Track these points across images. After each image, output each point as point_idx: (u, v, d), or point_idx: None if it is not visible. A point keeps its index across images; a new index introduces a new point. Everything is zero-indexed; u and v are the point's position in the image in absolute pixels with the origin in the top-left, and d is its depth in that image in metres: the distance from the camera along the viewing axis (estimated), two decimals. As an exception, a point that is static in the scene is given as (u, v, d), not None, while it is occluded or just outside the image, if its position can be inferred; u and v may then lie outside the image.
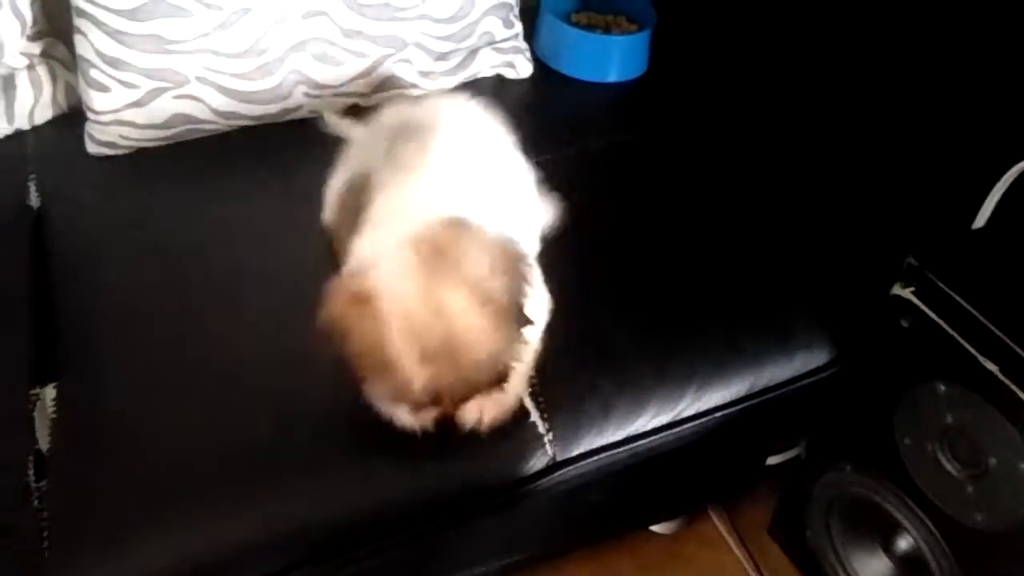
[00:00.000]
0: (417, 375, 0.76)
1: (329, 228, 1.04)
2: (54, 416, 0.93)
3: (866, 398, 1.04)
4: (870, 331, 1.02)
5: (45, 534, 0.84)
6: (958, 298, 0.90)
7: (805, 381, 1.09)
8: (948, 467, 0.96)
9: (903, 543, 1.07)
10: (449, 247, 0.78)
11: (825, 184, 1.23)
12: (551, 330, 0.96)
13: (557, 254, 1.00)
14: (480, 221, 0.81)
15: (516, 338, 0.80)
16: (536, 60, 1.46)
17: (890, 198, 1.16)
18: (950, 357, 0.92)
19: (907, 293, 0.95)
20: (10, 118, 1.25)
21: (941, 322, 0.93)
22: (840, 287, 1.13)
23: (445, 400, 0.80)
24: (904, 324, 0.96)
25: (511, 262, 0.80)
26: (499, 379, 0.80)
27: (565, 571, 1.30)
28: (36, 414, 0.94)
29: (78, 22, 1.16)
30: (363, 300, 0.77)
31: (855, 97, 1.26)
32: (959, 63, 1.14)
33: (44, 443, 0.91)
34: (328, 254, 1.04)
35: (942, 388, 0.94)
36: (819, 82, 1.32)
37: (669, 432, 1.02)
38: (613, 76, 1.45)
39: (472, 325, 0.76)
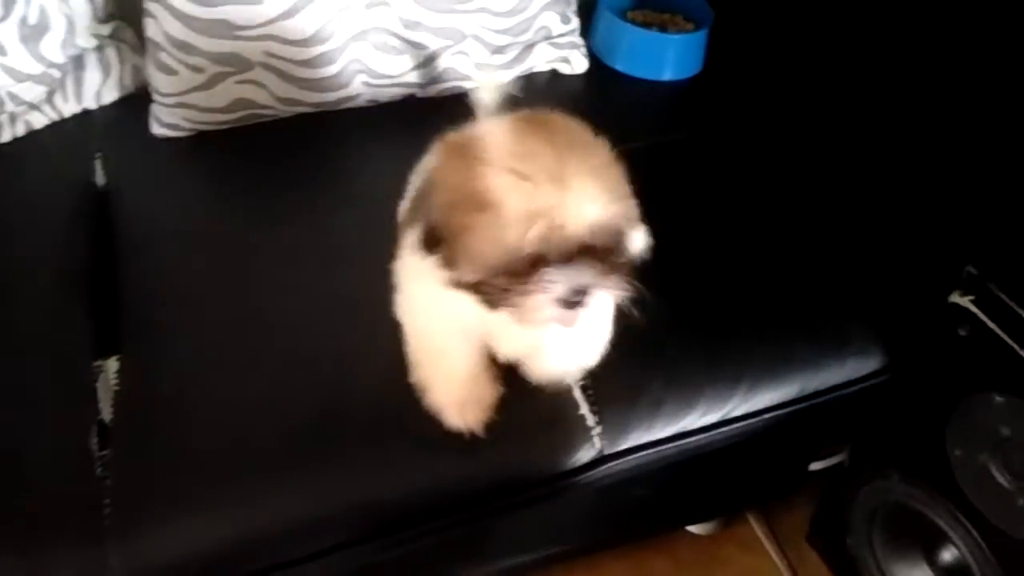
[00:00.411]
0: (523, 220, 0.70)
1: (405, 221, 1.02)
2: (116, 388, 0.96)
3: (918, 406, 1.03)
4: (925, 339, 1.01)
5: (107, 502, 0.87)
6: (1018, 308, 0.89)
7: (856, 387, 1.08)
8: (1000, 479, 0.94)
9: (948, 554, 1.06)
10: (566, 129, 0.76)
11: (882, 188, 1.22)
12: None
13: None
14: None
15: (631, 220, 0.75)
16: (591, 56, 1.46)
17: (949, 203, 1.14)
18: (1008, 368, 0.91)
19: (965, 302, 0.94)
20: (79, 97, 1.28)
21: (1000, 332, 0.92)
22: (895, 293, 1.11)
23: (551, 257, 0.72)
24: (961, 333, 0.95)
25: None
26: (611, 251, 0.74)
27: (601, 567, 1.31)
28: (99, 385, 0.96)
29: (149, 5, 1.18)
30: (465, 148, 0.74)
31: (915, 100, 1.24)
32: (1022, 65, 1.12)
33: (107, 414, 0.94)
34: (391, 236, 1.05)
35: (998, 399, 0.93)
36: (877, 83, 1.31)
37: (717, 431, 1.02)
38: (668, 74, 1.45)
39: (587, 188, 0.71)
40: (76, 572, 0.84)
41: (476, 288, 0.76)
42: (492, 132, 0.75)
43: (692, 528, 1.38)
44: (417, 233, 0.79)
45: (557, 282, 0.72)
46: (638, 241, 0.80)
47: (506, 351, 0.92)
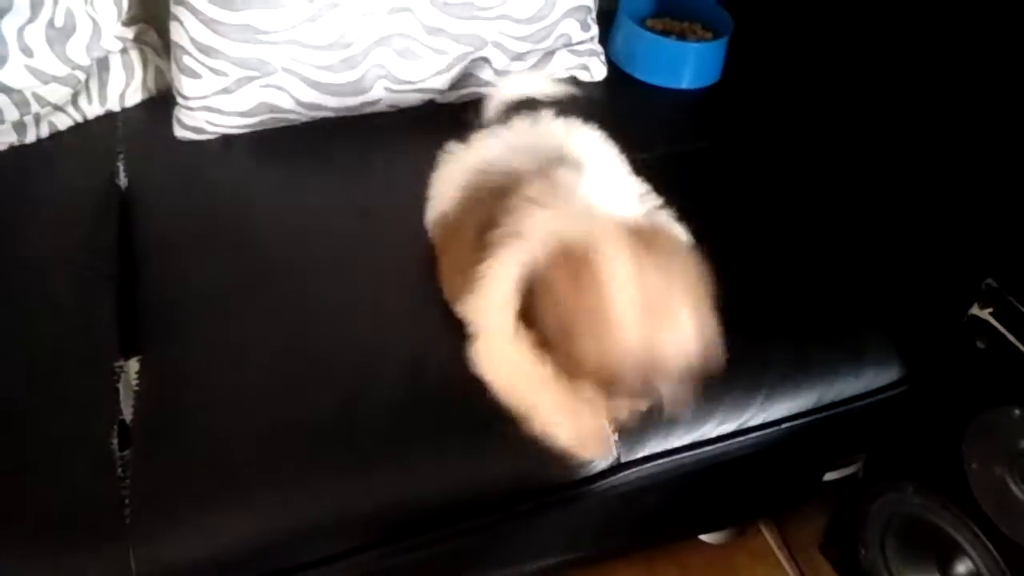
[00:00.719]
0: (637, 345, 0.76)
1: (439, 220, 1.05)
2: (137, 388, 0.97)
3: (935, 418, 1.03)
4: (944, 351, 1.01)
5: (127, 502, 0.88)
6: (1040, 322, 0.89)
7: (873, 398, 1.08)
8: (1017, 493, 0.94)
9: (962, 567, 1.06)
10: (663, 244, 0.81)
11: (902, 199, 1.22)
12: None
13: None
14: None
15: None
16: (610, 63, 1.47)
17: (970, 215, 1.14)
18: (1027, 382, 0.91)
19: (985, 314, 0.94)
20: (103, 99, 1.30)
21: (1019, 345, 0.92)
22: (914, 304, 1.12)
23: (644, 384, 0.79)
24: (980, 346, 0.95)
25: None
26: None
27: (612, 574, 1.31)
28: (120, 385, 0.97)
29: (175, 9, 1.20)
30: (582, 260, 0.78)
31: (935, 110, 1.24)
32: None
33: (128, 414, 0.95)
34: (412, 245, 1.07)
35: (1016, 413, 0.93)
36: (897, 93, 1.31)
37: (733, 440, 1.03)
38: (687, 83, 1.45)
39: (690, 327, 0.79)
40: (97, 572, 0.85)
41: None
42: (607, 248, 0.78)
43: (704, 537, 1.38)
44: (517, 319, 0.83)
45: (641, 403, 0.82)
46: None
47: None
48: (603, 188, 0.92)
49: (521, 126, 1.04)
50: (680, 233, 0.97)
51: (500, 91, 1.12)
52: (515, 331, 0.85)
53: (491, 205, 0.91)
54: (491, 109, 1.11)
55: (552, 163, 0.95)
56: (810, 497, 1.34)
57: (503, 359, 0.92)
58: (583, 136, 1.04)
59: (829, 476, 1.31)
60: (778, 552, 1.38)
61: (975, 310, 0.95)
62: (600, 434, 0.96)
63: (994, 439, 0.96)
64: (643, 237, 0.80)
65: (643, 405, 0.83)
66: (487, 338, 0.93)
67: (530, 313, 0.82)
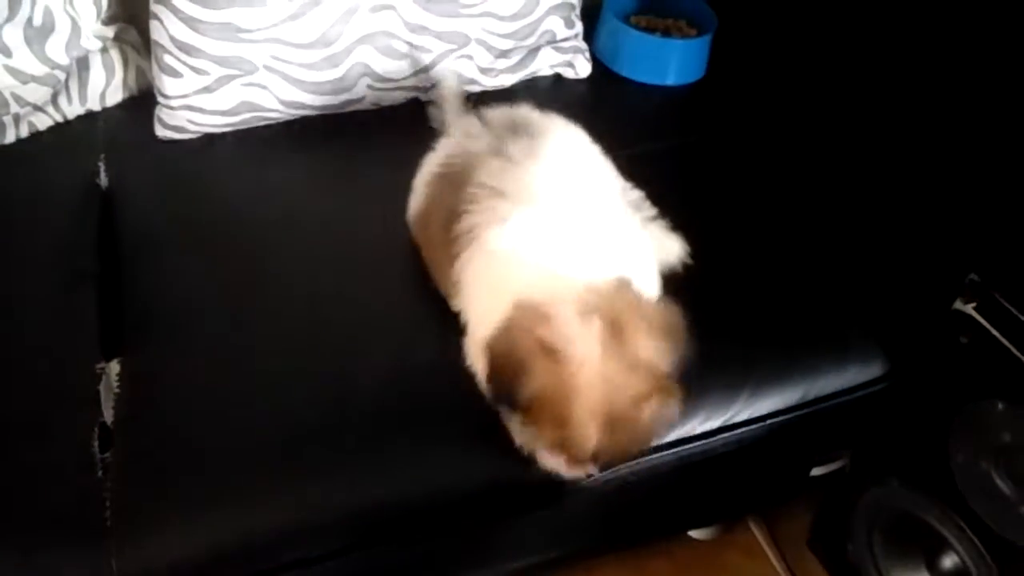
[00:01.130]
0: (591, 437, 0.80)
1: (415, 217, 1.05)
2: (118, 391, 0.96)
3: (919, 413, 1.03)
4: (927, 346, 1.01)
5: (107, 504, 0.87)
6: (1021, 315, 0.89)
7: (858, 393, 1.08)
8: (1002, 487, 0.94)
9: (948, 561, 1.06)
10: (626, 323, 0.81)
11: (884, 195, 1.22)
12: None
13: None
14: (636, 284, 0.86)
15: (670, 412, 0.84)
16: (595, 60, 1.46)
17: (953, 210, 1.14)
18: (1010, 375, 0.91)
19: (968, 309, 0.94)
20: (83, 99, 1.29)
21: (1003, 339, 0.92)
22: (897, 299, 1.12)
23: (601, 461, 0.84)
24: (963, 340, 0.95)
25: (675, 333, 0.84)
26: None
27: (601, 571, 1.31)
28: (101, 388, 0.96)
29: (155, 8, 1.19)
30: (551, 351, 0.80)
31: (918, 106, 1.24)
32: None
33: (108, 416, 0.94)
34: (393, 243, 1.07)
35: (1000, 406, 0.93)
36: (880, 89, 1.31)
37: (718, 437, 1.02)
38: (671, 79, 1.45)
39: (642, 401, 0.80)
40: (76, 573, 0.84)
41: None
42: (572, 345, 0.80)
43: (693, 533, 1.38)
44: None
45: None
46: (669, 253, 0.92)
47: None
48: (561, 165, 0.93)
49: (493, 116, 1.04)
50: (652, 283, 0.96)
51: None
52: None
53: (453, 195, 0.92)
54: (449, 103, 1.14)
55: (509, 141, 0.95)
56: (798, 493, 1.34)
57: None
58: (559, 128, 1.04)
59: (816, 471, 1.31)
60: (767, 548, 1.38)
61: (958, 304, 0.95)
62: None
63: (979, 433, 0.96)
64: (613, 320, 0.81)
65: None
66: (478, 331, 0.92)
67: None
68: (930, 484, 1.02)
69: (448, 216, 0.92)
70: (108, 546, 0.85)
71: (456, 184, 0.94)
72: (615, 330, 0.80)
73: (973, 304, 0.94)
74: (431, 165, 1.03)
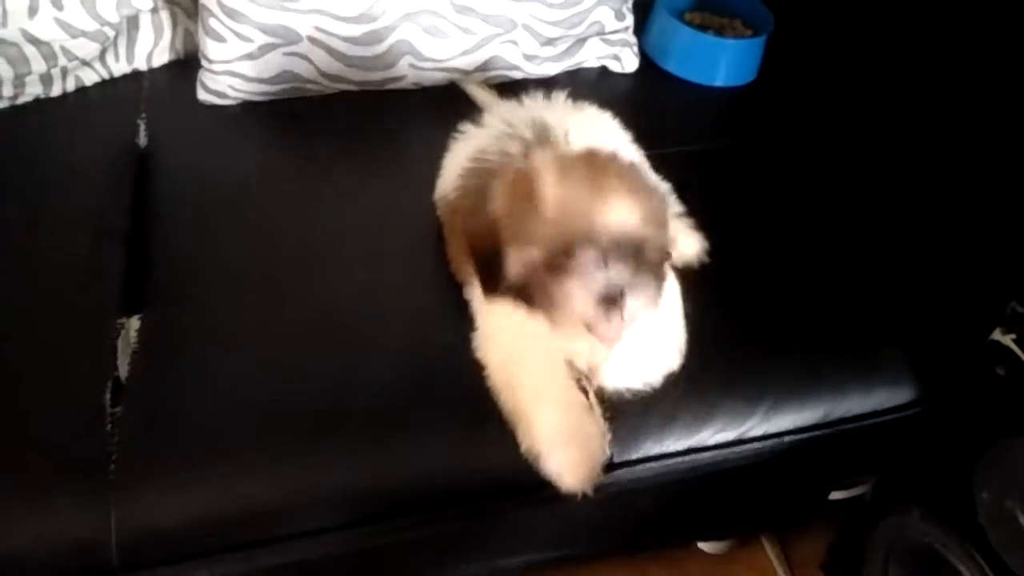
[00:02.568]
0: (566, 214, 0.79)
1: (442, 201, 1.04)
2: (136, 347, 0.97)
3: (947, 444, 1.00)
4: (962, 375, 0.97)
5: (113, 459, 0.87)
6: (1063, 352, 0.85)
7: (884, 417, 1.04)
8: (1026, 528, 0.90)
9: (965, 600, 1.02)
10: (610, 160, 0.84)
11: (931, 213, 1.17)
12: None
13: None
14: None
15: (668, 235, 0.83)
16: (643, 55, 1.43)
17: (1000, 234, 1.10)
18: (1046, 413, 0.87)
19: (1007, 340, 0.91)
20: (130, 58, 1.30)
21: (1041, 375, 0.88)
22: (934, 324, 1.07)
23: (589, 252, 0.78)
24: (1000, 372, 0.92)
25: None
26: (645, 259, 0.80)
27: (603, 575, 1.29)
28: (119, 343, 0.97)
29: (203, -29, 1.19)
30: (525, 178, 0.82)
31: (974, 123, 1.19)
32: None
33: (124, 371, 0.95)
34: (421, 227, 1.07)
35: (1032, 445, 0.89)
36: (931, 105, 1.26)
37: (732, 450, 0.99)
38: (721, 80, 1.41)
39: (623, 200, 0.80)
40: (76, 525, 0.85)
41: (522, 290, 0.81)
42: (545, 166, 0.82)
43: (703, 545, 1.35)
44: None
45: (592, 273, 0.77)
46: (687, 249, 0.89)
47: (581, 364, 0.92)
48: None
49: (527, 113, 1.02)
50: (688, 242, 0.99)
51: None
52: (515, 314, 0.84)
53: (481, 194, 0.89)
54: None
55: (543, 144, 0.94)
56: (815, 515, 1.30)
57: (504, 349, 0.91)
58: (590, 118, 1.03)
59: (836, 495, 1.27)
60: (778, 568, 1.35)
61: (997, 335, 0.91)
62: (587, 463, 0.90)
63: (1007, 471, 0.92)
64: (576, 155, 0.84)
65: (599, 286, 0.78)
66: (489, 322, 0.92)
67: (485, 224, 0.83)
68: (952, 518, 0.98)
69: (474, 211, 0.90)
70: (109, 501, 0.85)
71: (485, 183, 0.91)
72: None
73: (1013, 336, 0.90)
74: (463, 156, 1.01)
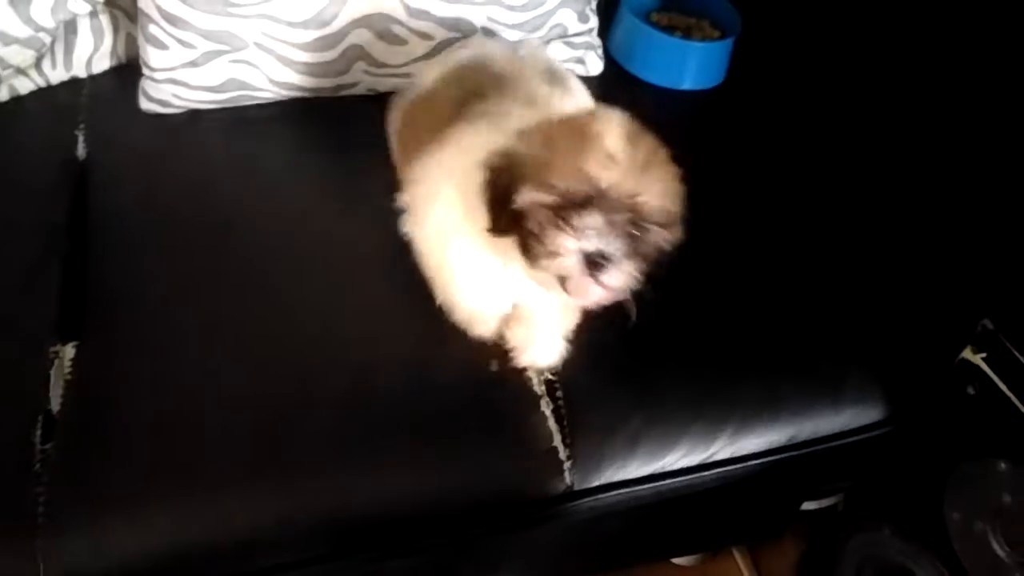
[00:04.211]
0: (607, 161, 0.78)
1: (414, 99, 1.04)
2: (69, 376, 0.92)
3: (917, 464, 0.98)
4: (931, 394, 0.95)
5: (42, 499, 0.83)
6: (1034, 372, 0.83)
7: (852, 438, 1.01)
8: (997, 549, 0.89)
9: (935, 618, 1.00)
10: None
11: (898, 228, 1.14)
12: (582, 356, 0.93)
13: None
14: None
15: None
16: (609, 59, 1.39)
17: (970, 249, 1.07)
18: (1016, 434, 0.85)
19: (977, 359, 0.88)
20: (68, 65, 1.24)
21: (1011, 395, 0.86)
22: (902, 343, 1.04)
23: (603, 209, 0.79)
24: (970, 391, 0.89)
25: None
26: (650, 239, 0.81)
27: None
28: (52, 373, 0.92)
29: (141, -25, 1.13)
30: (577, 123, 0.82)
31: (946, 135, 1.16)
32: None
33: (56, 404, 0.90)
34: (378, 237, 1.01)
35: (1003, 466, 0.88)
36: (902, 113, 1.23)
37: (697, 475, 0.96)
38: (688, 83, 1.37)
39: (662, 178, 0.81)
40: (1, 568, 0.80)
41: (520, 219, 0.80)
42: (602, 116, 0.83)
43: (676, 560, 1.33)
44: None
45: (592, 230, 0.77)
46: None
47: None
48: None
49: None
50: None
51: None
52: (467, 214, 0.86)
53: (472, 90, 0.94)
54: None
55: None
56: (786, 525, 1.28)
57: (435, 241, 0.93)
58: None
59: (808, 505, 1.25)
60: (750, 580, 1.34)
61: (967, 354, 0.89)
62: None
63: (977, 491, 0.90)
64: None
65: (593, 245, 0.78)
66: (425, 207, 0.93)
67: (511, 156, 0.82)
68: (923, 536, 0.97)
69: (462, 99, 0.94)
70: (37, 543, 0.81)
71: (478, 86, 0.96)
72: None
73: (983, 355, 0.88)
74: (454, 63, 1.04)
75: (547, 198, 0.79)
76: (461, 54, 1.06)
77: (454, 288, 0.93)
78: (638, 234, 0.79)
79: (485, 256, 0.88)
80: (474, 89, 0.96)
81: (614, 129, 0.80)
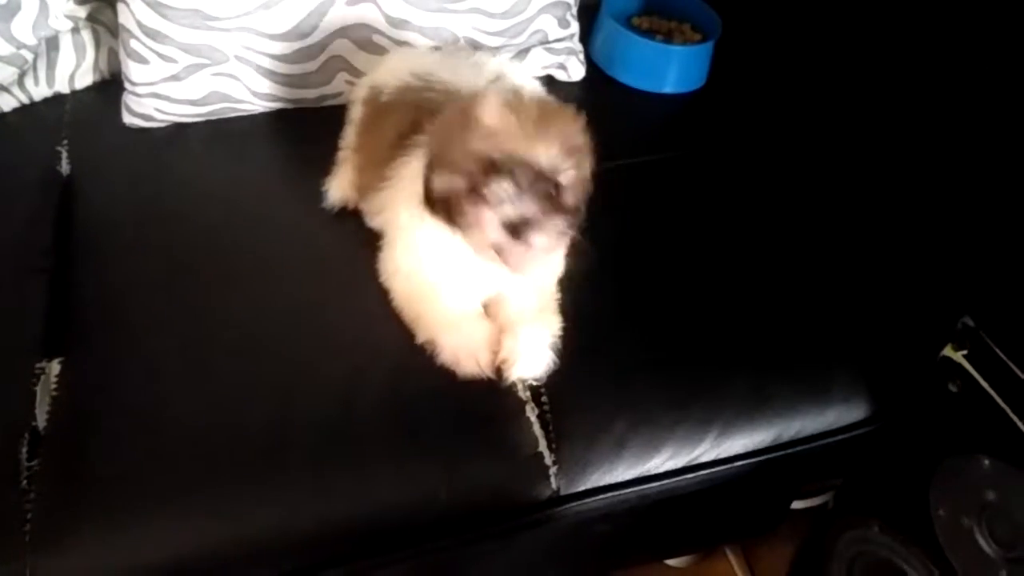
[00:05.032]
0: (494, 136, 0.82)
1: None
2: (55, 393, 0.92)
3: (902, 461, 0.97)
4: (914, 392, 0.95)
5: (29, 517, 0.82)
6: (1015, 368, 0.83)
7: (838, 437, 1.02)
8: (984, 545, 0.89)
9: (926, 614, 1.00)
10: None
11: (882, 227, 1.15)
12: (567, 361, 0.93)
13: (582, 279, 0.96)
14: None
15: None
16: (590, 63, 1.40)
17: (950, 247, 1.08)
18: (999, 430, 0.85)
19: (958, 356, 0.88)
20: (50, 81, 1.24)
21: (992, 392, 0.86)
22: (886, 339, 1.05)
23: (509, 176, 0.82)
24: (952, 389, 0.89)
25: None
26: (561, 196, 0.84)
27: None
28: (38, 389, 0.92)
29: (121, -10, 1.14)
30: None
31: (926, 135, 1.17)
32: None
33: (42, 421, 0.90)
34: (365, 245, 1.03)
35: (986, 463, 0.87)
36: (884, 113, 1.24)
37: (683, 477, 0.97)
38: (669, 87, 1.38)
39: (551, 138, 0.83)
40: (-11, 591, 0.80)
41: (443, 204, 0.86)
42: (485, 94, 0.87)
43: (668, 561, 1.33)
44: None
45: (505, 200, 0.81)
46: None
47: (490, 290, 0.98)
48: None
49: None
50: None
51: None
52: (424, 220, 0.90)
53: (418, 111, 0.96)
54: None
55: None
56: (777, 524, 1.28)
57: (407, 265, 0.96)
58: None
59: (798, 504, 1.26)
60: (743, 578, 1.34)
61: (948, 351, 0.89)
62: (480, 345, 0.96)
63: (962, 487, 0.90)
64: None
65: (510, 213, 0.82)
66: (397, 237, 0.97)
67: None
68: (911, 532, 0.96)
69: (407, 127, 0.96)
70: (25, 562, 0.80)
71: (427, 105, 0.97)
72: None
73: (964, 352, 0.88)
74: (405, 71, 1.06)
75: (456, 179, 0.83)
76: (398, 66, 1.08)
77: (434, 311, 0.95)
78: (553, 192, 0.82)
79: (452, 243, 0.90)
80: (422, 104, 0.98)
81: (491, 104, 0.84)
